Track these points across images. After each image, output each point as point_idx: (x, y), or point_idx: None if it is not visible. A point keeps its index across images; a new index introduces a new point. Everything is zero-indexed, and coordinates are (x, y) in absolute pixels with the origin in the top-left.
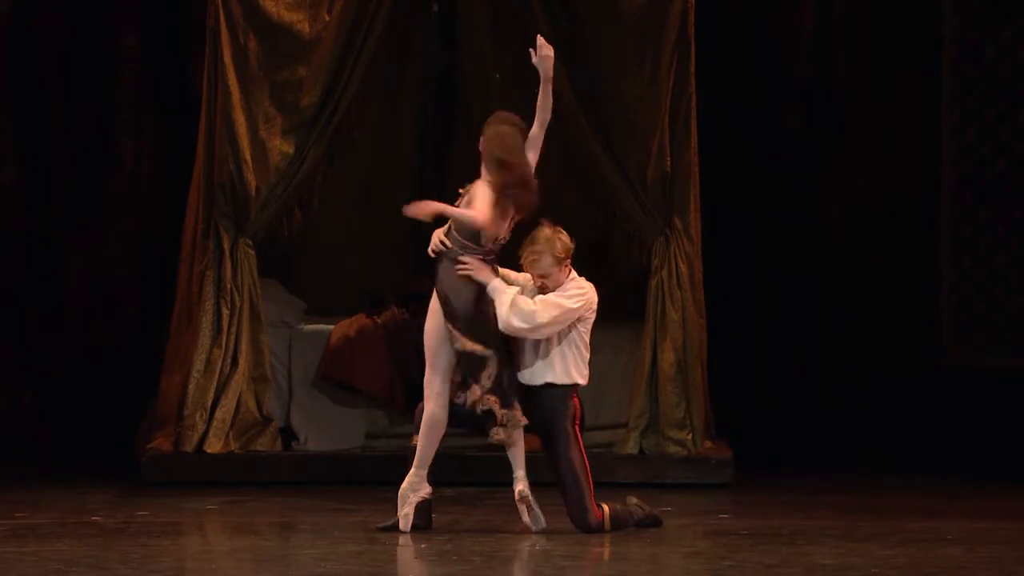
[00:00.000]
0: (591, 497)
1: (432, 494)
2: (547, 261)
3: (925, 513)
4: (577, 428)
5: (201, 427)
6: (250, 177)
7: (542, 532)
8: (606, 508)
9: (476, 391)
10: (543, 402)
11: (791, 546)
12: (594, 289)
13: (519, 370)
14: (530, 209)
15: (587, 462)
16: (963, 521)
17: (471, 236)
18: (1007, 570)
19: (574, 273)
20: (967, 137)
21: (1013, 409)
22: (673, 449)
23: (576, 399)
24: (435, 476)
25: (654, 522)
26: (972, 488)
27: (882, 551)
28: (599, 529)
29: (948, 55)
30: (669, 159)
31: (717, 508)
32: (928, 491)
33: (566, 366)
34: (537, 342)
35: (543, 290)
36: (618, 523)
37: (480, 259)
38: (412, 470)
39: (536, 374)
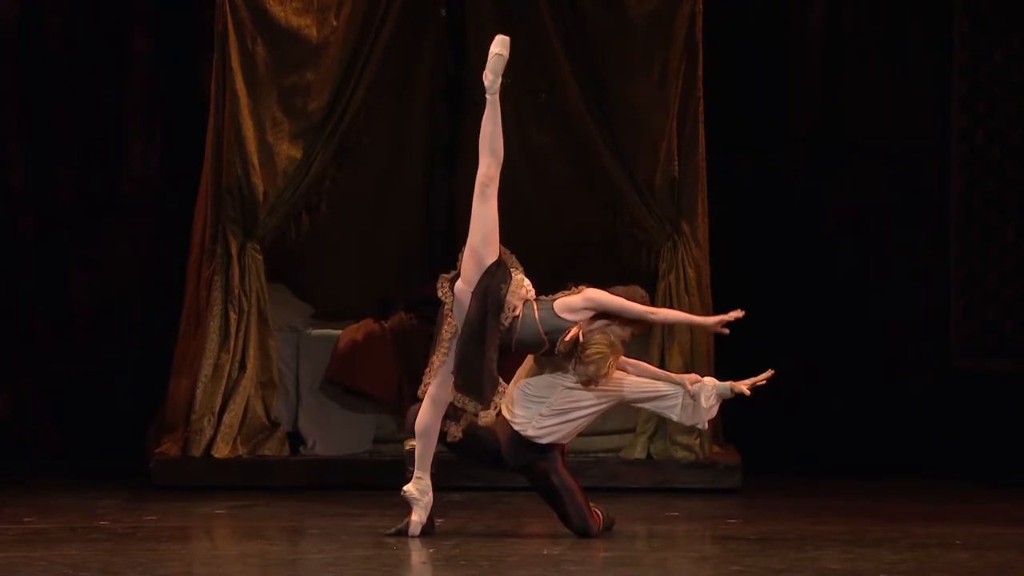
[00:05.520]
0: (588, 504)
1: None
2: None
3: (933, 518)
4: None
5: (209, 432)
6: (258, 182)
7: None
8: (599, 513)
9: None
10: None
11: (799, 551)
12: None
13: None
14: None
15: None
16: (971, 526)
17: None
18: (1015, 575)
19: None
20: (976, 140)
21: (1022, 413)
22: (681, 454)
23: None
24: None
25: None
26: (981, 492)
27: (890, 556)
28: (596, 534)
29: (958, 59)
30: (677, 163)
31: (725, 513)
32: (936, 495)
33: None
34: (581, 415)
35: (590, 380)
36: (607, 526)
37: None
38: (416, 474)
39: (559, 435)
